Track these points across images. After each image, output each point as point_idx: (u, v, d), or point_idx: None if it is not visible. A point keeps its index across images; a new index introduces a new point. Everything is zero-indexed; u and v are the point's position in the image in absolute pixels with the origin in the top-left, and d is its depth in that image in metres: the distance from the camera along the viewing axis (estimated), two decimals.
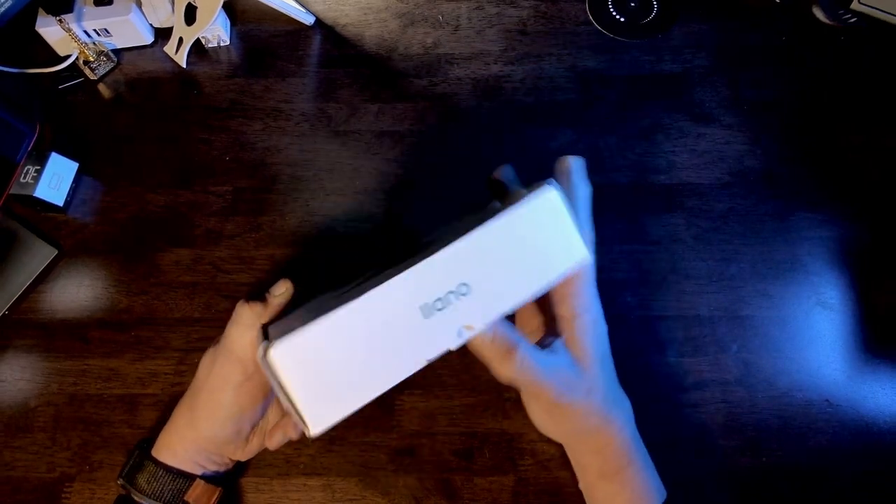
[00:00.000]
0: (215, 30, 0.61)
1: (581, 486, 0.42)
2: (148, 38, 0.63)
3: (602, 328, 0.40)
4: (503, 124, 0.58)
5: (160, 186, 0.56)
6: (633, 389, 0.48)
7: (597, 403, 0.39)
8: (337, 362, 0.29)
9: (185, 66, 0.62)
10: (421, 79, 0.61)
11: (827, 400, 0.47)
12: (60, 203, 0.54)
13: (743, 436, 0.46)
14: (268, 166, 0.57)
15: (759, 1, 0.62)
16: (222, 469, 0.43)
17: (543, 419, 0.40)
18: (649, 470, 0.40)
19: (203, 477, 0.42)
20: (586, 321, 0.38)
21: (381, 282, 0.30)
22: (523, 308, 0.40)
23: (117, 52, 0.63)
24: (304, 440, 0.47)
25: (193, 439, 0.41)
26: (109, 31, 0.61)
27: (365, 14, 0.65)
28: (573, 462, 0.42)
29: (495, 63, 0.61)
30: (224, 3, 0.58)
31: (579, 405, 0.38)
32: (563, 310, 0.38)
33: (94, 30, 0.60)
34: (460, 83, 0.60)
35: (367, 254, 0.52)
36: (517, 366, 0.34)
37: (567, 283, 0.37)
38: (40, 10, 0.59)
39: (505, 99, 0.59)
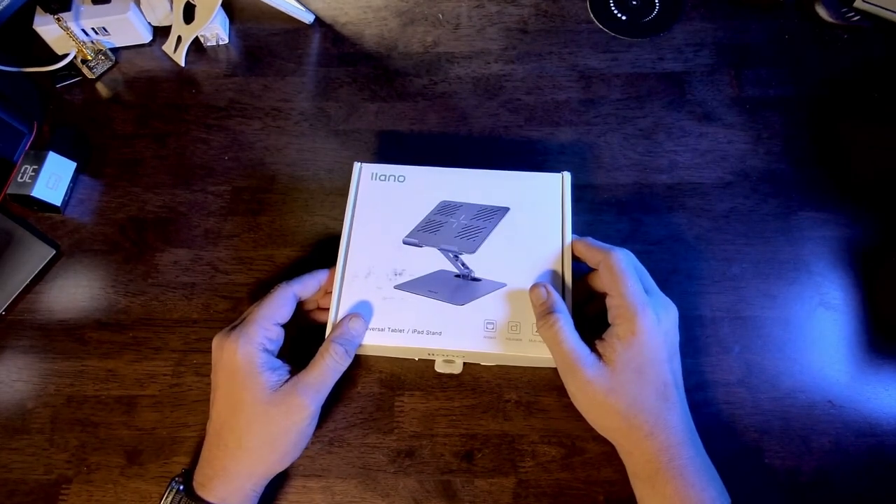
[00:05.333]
0: (214, 28, 0.61)
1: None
2: (146, 37, 0.62)
3: (641, 343, 0.40)
4: (504, 123, 0.57)
5: (158, 186, 0.56)
6: None
7: (617, 408, 0.39)
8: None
9: (183, 64, 0.61)
10: (421, 77, 0.60)
11: (830, 401, 0.46)
12: (58, 203, 0.54)
13: (745, 437, 0.45)
14: (266, 166, 0.57)
15: None
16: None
17: (578, 401, 0.42)
18: (697, 483, 0.38)
19: None
20: (622, 330, 0.40)
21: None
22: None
23: (115, 50, 0.63)
24: None
25: (264, 474, 0.42)
26: (107, 29, 0.60)
27: (364, 12, 0.64)
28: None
29: (496, 62, 0.61)
30: (223, 1, 0.57)
31: (601, 401, 0.39)
32: (609, 315, 0.42)
33: (93, 28, 0.60)
34: (461, 82, 0.60)
35: None
36: (548, 327, 0.40)
37: (614, 295, 0.41)
38: (38, 8, 0.59)
39: (506, 98, 0.59)
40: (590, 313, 0.46)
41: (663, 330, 0.41)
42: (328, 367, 0.41)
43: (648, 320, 0.40)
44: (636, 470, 0.40)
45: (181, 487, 0.41)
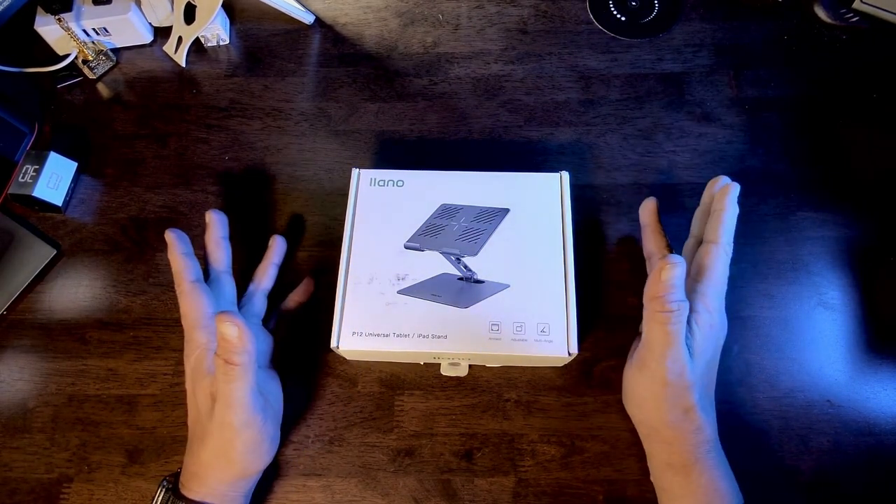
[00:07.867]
0: (214, 29, 0.61)
1: (651, 476, 0.43)
2: (147, 37, 0.63)
3: (716, 335, 0.43)
4: (503, 123, 0.58)
5: (159, 186, 0.56)
6: None
7: (686, 404, 0.40)
8: None
9: (184, 65, 0.62)
10: (421, 78, 0.60)
11: (828, 400, 0.46)
12: (59, 203, 0.54)
13: (744, 437, 0.46)
14: (267, 166, 0.57)
15: (760, 0, 0.62)
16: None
17: (646, 389, 0.42)
18: (726, 476, 0.40)
19: None
20: (705, 319, 0.42)
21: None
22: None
23: (116, 51, 0.63)
24: (303, 442, 0.46)
25: (232, 479, 0.41)
26: (108, 29, 0.61)
27: (364, 13, 0.64)
28: (644, 447, 0.44)
29: (496, 62, 0.61)
30: (223, 1, 0.58)
31: (678, 394, 0.40)
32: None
33: (93, 29, 0.60)
34: (460, 82, 0.60)
35: None
36: (676, 313, 0.39)
37: (700, 282, 0.43)
38: (39, 8, 0.59)
39: (505, 98, 0.59)
40: None
41: (723, 335, 0.44)
42: (235, 385, 0.38)
43: (723, 320, 0.43)
44: (672, 460, 0.41)
45: (169, 487, 0.41)
